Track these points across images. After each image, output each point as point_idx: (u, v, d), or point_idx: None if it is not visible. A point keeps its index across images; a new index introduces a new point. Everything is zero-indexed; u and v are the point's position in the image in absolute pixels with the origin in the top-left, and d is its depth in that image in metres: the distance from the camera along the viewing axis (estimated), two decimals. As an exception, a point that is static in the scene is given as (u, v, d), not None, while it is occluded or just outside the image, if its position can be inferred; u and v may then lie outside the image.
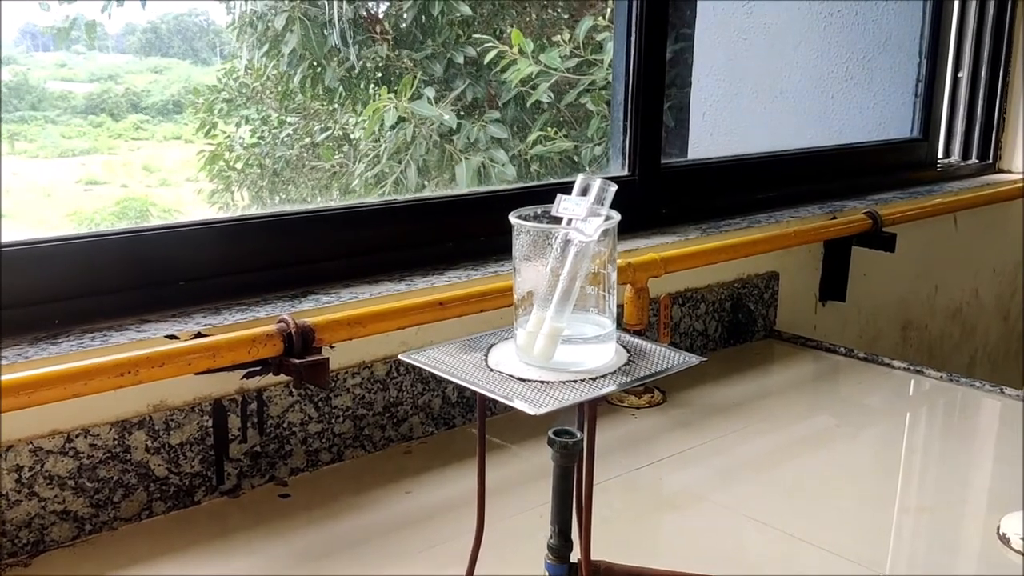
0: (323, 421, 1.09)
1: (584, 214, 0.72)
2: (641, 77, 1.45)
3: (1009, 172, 2.22)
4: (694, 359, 0.73)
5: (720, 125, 2.27)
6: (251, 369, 1.00)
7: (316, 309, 1.07)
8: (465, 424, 1.22)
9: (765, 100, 2.30)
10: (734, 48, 2.27)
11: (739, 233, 1.51)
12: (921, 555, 0.98)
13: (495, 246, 1.32)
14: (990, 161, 2.22)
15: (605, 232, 0.71)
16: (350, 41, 2.95)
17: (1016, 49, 2.19)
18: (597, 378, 0.70)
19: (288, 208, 1.16)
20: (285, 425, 1.06)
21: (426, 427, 1.19)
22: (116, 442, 0.94)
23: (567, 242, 0.72)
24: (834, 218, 1.67)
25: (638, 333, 1.27)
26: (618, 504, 1.03)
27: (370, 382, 1.12)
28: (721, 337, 1.53)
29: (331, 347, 1.03)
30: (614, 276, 0.72)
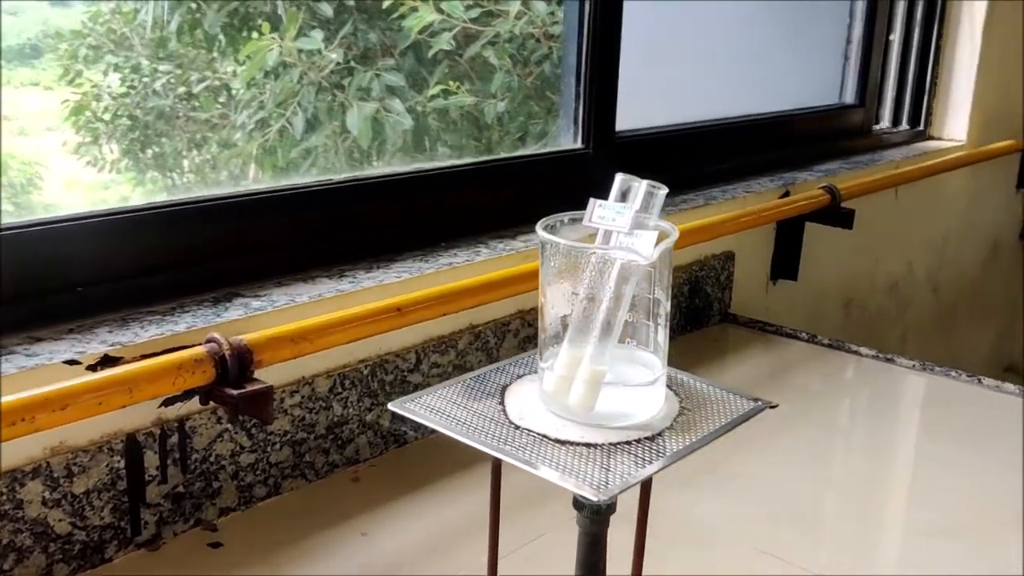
0: (257, 450, 0.91)
1: (628, 226, 0.56)
2: (597, 37, 1.30)
3: (940, 139, 2.17)
4: (761, 404, 0.59)
5: (641, 95, 2.14)
6: (172, 395, 0.81)
7: (248, 319, 0.88)
8: (417, 438, 1.06)
9: (690, 67, 2.17)
10: (656, 13, 2.12)
11: (699, 213, 1.38)
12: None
13: (446, 231, 1.16)
14: (921, 128, 2.16)
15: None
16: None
17: (949, 12, 2.13)
18: (655, 436, 0.55)
19: (205, 194, 0.97)
20: (212, 458, 0.88)
21: (374, 447, 1.02)
22: (5, 497, 0.75)
23: (605, 262, 0.57)
24: (787, 193, 1.56)
25: (606, 329, 1.13)
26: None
27: (311, 400, 0.95)
28: (679, 324, 1.40)
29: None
30: (666, 305, 0.58)
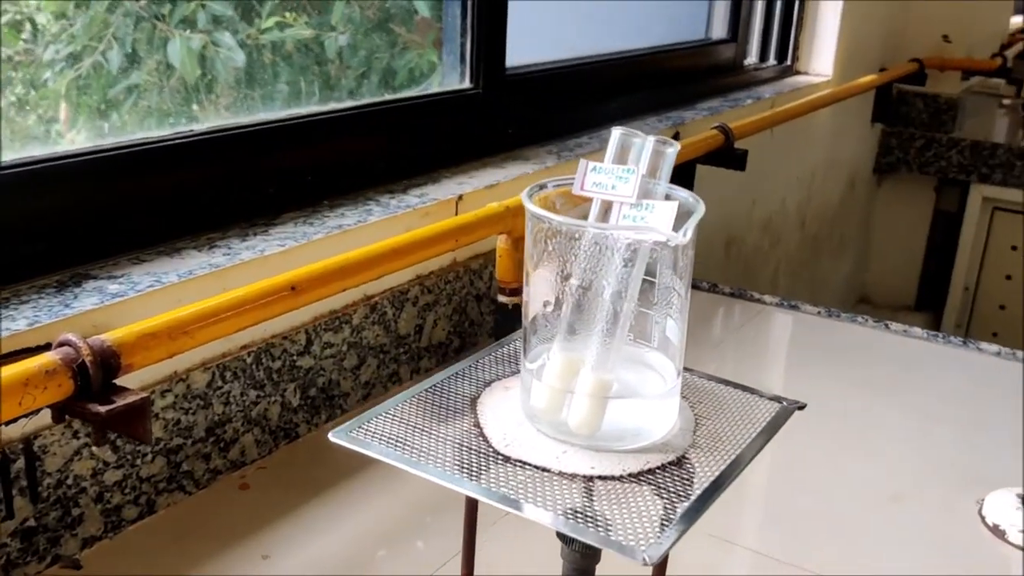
0: (124, 465, 0.75)
1: (634, 195, 0.44)
2: (484, -37, 1.15)
3: (807, 74, 2.15)
4: (788, 405, 0.49)
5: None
6: (14, 414, 0.64)
7: (106, 308, 0.72)
8: (310, 431, 0.92)
9: (552, 4, 2.05)
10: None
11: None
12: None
13: (327, 187, 1.00)
14: (788, 63, 2.13)
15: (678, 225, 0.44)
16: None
17: (814, -57, 2.09)
18: (680, 460, 0.44)
19: (41, 153, 0.78)
20: (69, 481, 0.71)
21: (263, 446, 0.87)
22: None
23: (608, 243, 0.45)
24: (677, 135, 1.48)
25: (513, 292, 1.02)
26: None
27: (186, 399, 0.79)
28: (577, 279, 1.30)
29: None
30: (684, 294, 0.46)
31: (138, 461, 0.76)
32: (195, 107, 1.28)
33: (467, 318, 1.09)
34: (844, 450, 0.97)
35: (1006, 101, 3.20)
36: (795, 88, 1.97)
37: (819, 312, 1.29)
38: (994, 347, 1.21)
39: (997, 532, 0.84)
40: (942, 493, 0.91)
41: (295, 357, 0.88)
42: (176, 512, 0.79)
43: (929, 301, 2.79)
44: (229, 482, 0.84)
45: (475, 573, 0.51)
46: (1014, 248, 2.63)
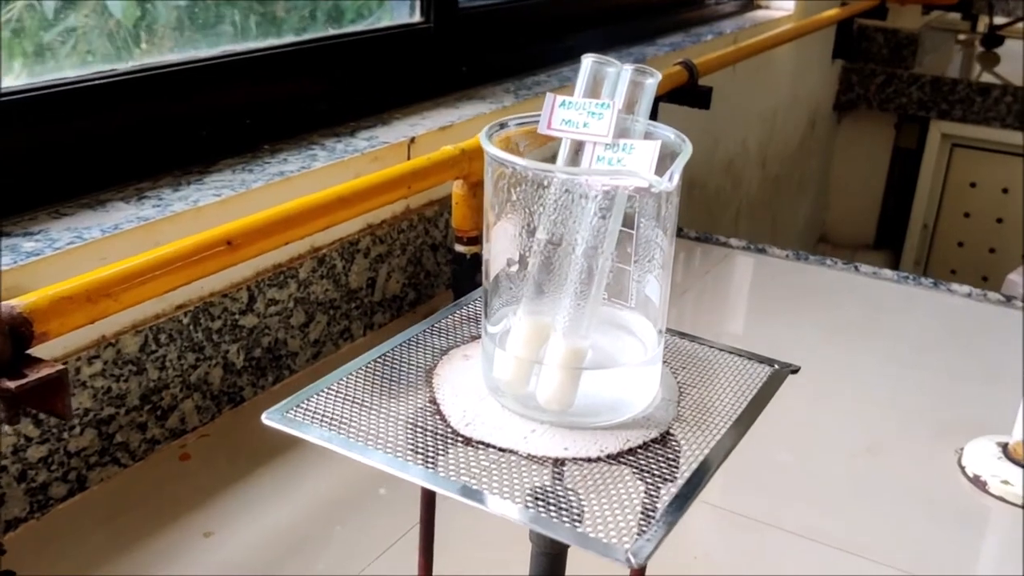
0: (49, 440, 0.69)
1: (610, 134, 0.39)
2: None
3: (767, 8, 2.08)
4: (780, 368, 0.44)
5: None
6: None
7: (19, 269, 0.64)
8: (256, 394, 0.86)
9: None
10: None
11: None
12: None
13: (268, 130, 0.93)
14: (749, -3, 2.07)
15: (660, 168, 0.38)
16: None
17: None
18: (665, 436, 0.39)
19: (-61, 95, 0.70)
20: (-14, 460, 0.65)
21: (204, 413, 0.81)
22: None
23: (580, 190, 0.39)
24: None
25: (472, 241, 0.96)
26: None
27: (117, 365, 0.73)
28: (537, 225, 1.24)
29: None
30: (667, 247, 0.41)
31: (65, 435, 0.70)
32: (137, 51, 1.18)
33: (423, 269, 1.03)
34: (817, 400, 0.93)
35: (961, 36, 3.17)
36: (757, 23, 1.91)
37: (787, 255, 1.25)
38: (964, 288, 1.18)
39: (978, 483, 0.81)
40: (919, 443, 0.88)
41: (237, 316, 0.82)
42: (110, 488, 0.73)
43: (888, 240, 2.77)
44: (168, 452, 0.78)
45: (435, 556, 0.46)
46: (973, 185, 2.62)
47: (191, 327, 0.78)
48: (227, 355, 0.82)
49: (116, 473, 0.74)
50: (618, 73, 0.40)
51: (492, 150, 0.38)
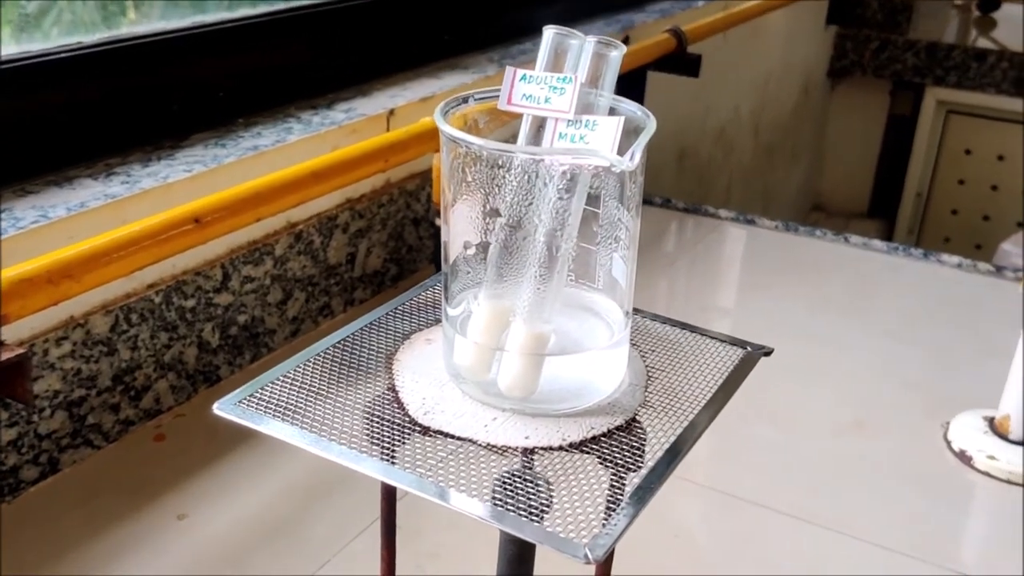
0: (19, 422, 0.68)
1: (572, 109, 0.37)
2: None
3: (760, -27, 2.04)
4: (752, 350, 0.43)
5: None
6: None
7: (-20, 249, 0.63)
8: (233, 373, 0.85)
9: None
10: None
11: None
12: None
13: (242, 103, 0.91)
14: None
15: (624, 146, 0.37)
16: None
17: None
18: (631, 423, 0.38)
19: None
20: (-48, 444, 0.64)
21: (179, 392, 0.80)
22: None
23: (541, 169, 0.37)
24: (627, 39, 1.39)
25: (453, 215, 0.94)
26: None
27: (87, 346, 0.71)
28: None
29: None
30: (632, 224, 0.39)
31: (35, 417, 0.69)
32: (124, 20, 1.16)
33: (404, 244, 1.02)
34: (804, 374, 0.92)
35: (958, 1, 3.13)
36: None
37: (776, 226, 1.24)
38: (955, 259, 1.17)
39: (964, 458, 0.80)
40: (907, 417, 0.87)
41: (211, 294, 0.80)
42: (82, 470, 0.72)
43: (882, 208, 2.75)
44: (143, 433, 0.77)
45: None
46: (968, 152, 2.59)
47: (163, 306, 0.76)
48: (201, 334, 0.81)
49: (89, 455, 0.73)
50: (581, 45, 0.38)
51: (446, 129, 0.36)
